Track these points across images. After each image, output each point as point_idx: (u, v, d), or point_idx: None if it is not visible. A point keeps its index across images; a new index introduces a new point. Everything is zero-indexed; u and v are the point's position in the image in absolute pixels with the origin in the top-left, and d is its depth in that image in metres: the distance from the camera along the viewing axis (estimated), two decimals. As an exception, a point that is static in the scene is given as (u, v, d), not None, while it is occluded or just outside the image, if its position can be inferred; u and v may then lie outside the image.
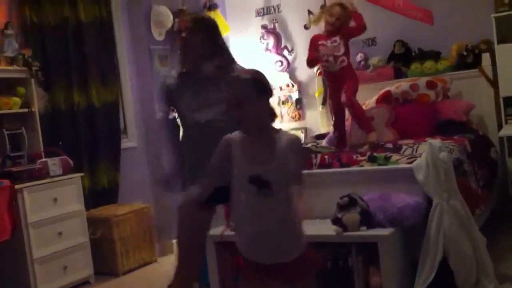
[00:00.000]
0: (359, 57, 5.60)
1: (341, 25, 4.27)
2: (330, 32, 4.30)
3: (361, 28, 4.32)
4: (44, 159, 4.07)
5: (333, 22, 4.26)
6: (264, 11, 6.27)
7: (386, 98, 4.93)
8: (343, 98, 4.21)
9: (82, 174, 4.31)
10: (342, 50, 4.23)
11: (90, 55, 4.75)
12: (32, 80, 4.16)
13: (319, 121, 5.81)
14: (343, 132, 4.48)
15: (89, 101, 4.70)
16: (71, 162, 4.21)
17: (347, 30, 4.31)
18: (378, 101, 4.98)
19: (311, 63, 4.51)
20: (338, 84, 4.29)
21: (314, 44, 4.37)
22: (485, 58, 4.94)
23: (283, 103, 6.08)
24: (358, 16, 4.32)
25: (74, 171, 4.24)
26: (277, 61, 6.10)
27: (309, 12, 5.94)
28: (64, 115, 4.53)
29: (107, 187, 4.75)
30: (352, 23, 4.33)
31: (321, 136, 5.19)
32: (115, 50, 5.10)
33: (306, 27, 5.83)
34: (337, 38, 4.25)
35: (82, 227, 4.24)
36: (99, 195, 4.69)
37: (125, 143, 5.04)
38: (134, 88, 5.22)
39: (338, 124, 4.48)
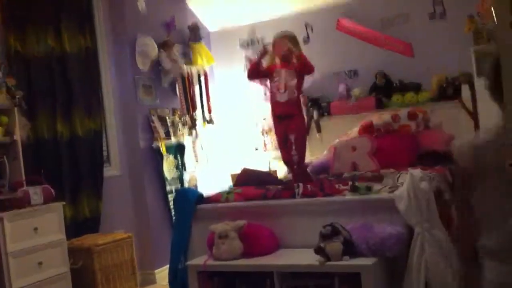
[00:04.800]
0: (341, 88, 5.69)
1: (291, 55, 4.16)
2: (285, 60, 4.20)
3: (309, 66, 4.14)
4: (25, 188, 4.02)
5: (285, 53, 4.17)
6: (248, 43, 6.35)
7: (368, 128, 4.99)
8: (294, 156, 4.09)
9: (63, 202, 4.26)
10: (294, 81, 4.12)
11: (74, 84, 4.75)
12: (15, 109, 4.14)
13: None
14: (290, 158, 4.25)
15: (72, 130, 4.69)
16: (52, 191, 4.17)
17: (298, 66, 4.16)
18: (360, 131, 5.05)
19: (253, 73, 4.31)
20: (283, 117, 4.14)
21: (269, 70, 4.25)
22: (465, 90, 5.05)
23: (267, 132, 6.12)
24: (303, 57, 4.15)
25: (55, 200, 4.19)
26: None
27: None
28: (47, 144, 4.51)
29: (89, 216, 4.70)
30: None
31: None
32: (99, 80, 5.11)
33: None
34: (293, 70, 4.15)
35: (62, 257, 4.17)
36: (80, 224, 4.64)
37: (108, 172, 5.02)
38: (118, 117, 5.22)
39: (285, 151, 4.24)
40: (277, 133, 4.31)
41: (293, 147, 4.12)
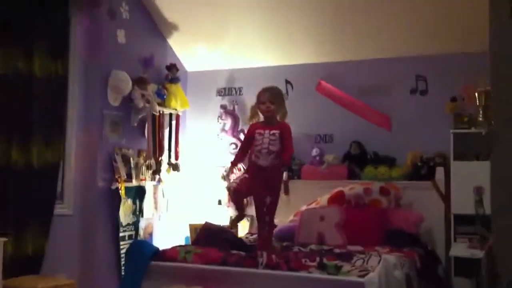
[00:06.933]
0: (314, 151, 5.53)
1: (276, 110, 3.94)
2: (269, 122, 3.98)
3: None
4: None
5: (266, 108, 3.95)
6: (225, 92, 6.19)
7: (338, 199, 4.83)
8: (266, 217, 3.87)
9: (5, 239, 3.89)
10: (277, 146, 3.87)
11: (38, 110, 4.43)
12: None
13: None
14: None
15: (28, 160, 4.35)
16: (-5, 223, 3.83)
17: (284, 126, 3.96)
18: (330, 200, 4.88)
19: (235, 162, 4.16)
20: (258, 180, 3.89)
21: (250, 132, 4.02)
22: (439, 171, 4.95)
23: (232, 187, 5.88)
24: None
25: (-3, 233, 3.83)
26: (231, 143, 5.97)
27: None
28: (-1, 171, 4.16)
29: (31, 255, 4.31)
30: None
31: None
32: (65, 109, 4.80)
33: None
34: (276, 132, 3.88)
35: (-5, 298, 3.80)
36: (21, 262, 4.24)
37: (60, 210, 4.64)
38: (79, 152, 4.90)
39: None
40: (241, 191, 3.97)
41: (265, 208, 3.87)
